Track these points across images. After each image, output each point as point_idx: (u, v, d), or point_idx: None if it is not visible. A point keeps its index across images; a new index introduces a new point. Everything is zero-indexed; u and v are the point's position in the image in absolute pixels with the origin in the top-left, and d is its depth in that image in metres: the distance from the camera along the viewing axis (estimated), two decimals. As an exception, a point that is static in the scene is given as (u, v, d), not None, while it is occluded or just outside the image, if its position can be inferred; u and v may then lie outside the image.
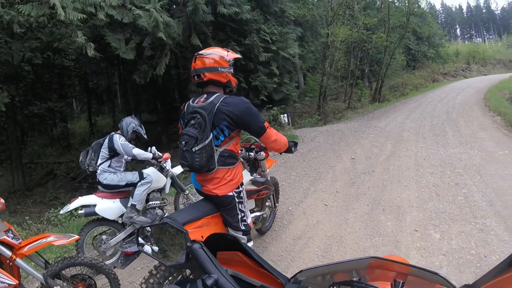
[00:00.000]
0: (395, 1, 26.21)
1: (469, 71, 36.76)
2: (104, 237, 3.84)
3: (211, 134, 2.31)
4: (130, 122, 4.10)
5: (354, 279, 0.89)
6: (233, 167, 2.47)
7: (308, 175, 6.45)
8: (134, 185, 3.86)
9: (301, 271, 0.89)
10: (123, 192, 3.92)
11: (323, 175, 6.39)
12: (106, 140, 3.94)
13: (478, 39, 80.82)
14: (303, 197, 5.31)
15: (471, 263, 3.07)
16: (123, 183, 3.85)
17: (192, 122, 2.33)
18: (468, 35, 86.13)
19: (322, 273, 0.95)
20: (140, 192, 3.80)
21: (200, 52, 2.44)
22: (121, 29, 10.29)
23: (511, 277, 0.73)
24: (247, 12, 12.94)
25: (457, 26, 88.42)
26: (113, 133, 4.01)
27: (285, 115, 12.18)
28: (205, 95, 2.41)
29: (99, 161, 3.93)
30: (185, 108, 2.51)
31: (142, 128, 4.20)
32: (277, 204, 4.14)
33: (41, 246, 2.52)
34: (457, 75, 34.34)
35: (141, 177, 3.89)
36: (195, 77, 2.42)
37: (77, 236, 2.82)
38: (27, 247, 2.47)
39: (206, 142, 2.26)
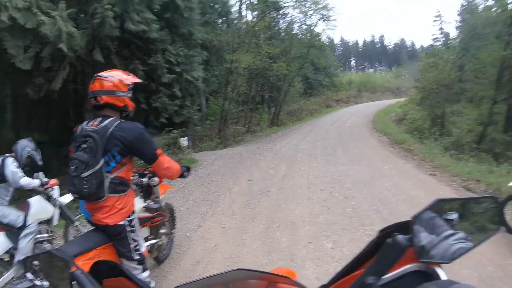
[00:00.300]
0: (298, 33, 28.40)
1: (360, 97, 41.71)
2: None
3: (102, 159, 2.23)
4: (26, 146, 3.77)
5: None
6: (124, 195, 2.40)
7: (207, 199, 6.50)
8: (14, 227, 3.49)
9: (176, 287, 0.90)
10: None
11: (221, 198, 6.50)
12: None
13: (370, 70, 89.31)
14: (201, 221, 5.33)
15: (363, 267, 3.46)
16: (5, 220, 3.46)
17: (84, 146, 2.23)
18: (362, 66, 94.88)
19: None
20: (24, 244, 3.48)
21: (100, 74, 2.39)
22: (22, 35, 9.27)
23: (354, 276, 0.89)
24: (155, 31, 12.81)
25: (353, 58, 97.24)
26: (7, 155, 3.63)
27: (186, 138, 12.01)
28: (100, 118, 2.35)
29: None
30: (78, 130, 2.41)
31: (37, 153, 3.88)
32: (173, 231, 4.10)
33: None
34: (349, 101, 38.66)
35: (25, 222, 3.54)
36: (92, 99, 2.35)
37: None
38: None
39: (97, 167, 2.19)
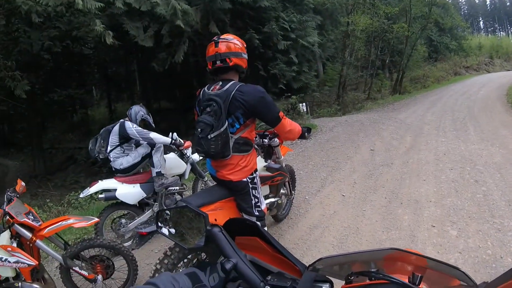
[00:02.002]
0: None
1: (492, 65, 35.64)
2: (123, 220, 3.87)
3: (226, 121, 2.30)
4: (139, 111, 4.13)
5: (372, 270, 0.87)
6: (247, 154, 2.48)
7: (326, 165, 6.36)
8: (149, 155, 3.90)
9: (320, 259, 0.87)
10: (142, 177, 3.94)
11: (341, 165, 6.30)
12: (116, 127, 3.92)
13: (501, 33, 78.62)
14: (321, 186, 5.26)
15: (487, 263, 2.98)
16: (139, 158, 3.89)
17: (208, 109, 2.32)
18: (492, 28, 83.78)
19: (341, 262, 0.94)
20: (157, 158, 3.86)
21: (223, 37, 2.41)
22: (139, 17, 10.25)
23: None
24: (265, -1, 12.78)
25: (480, 19, 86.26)
26: (122, 120, 3.99)
27: (304, 104, 11.97)
28: (221, 83, 2.39)
29: (109, 148, 3.92)
30: (201, 95, 2.50)
31: (150, 117, 4.23)
32: (293, 192, 4.11)
33: (61, 228, 2.57)
34: (480, 69, 33.31)
35: (152, 146, 3.91)
36: (218, 61, 2.35)
37: (96, 219, 2.88)
38: (47, 229, 2.51)
39: (222, 129, 2.28)
